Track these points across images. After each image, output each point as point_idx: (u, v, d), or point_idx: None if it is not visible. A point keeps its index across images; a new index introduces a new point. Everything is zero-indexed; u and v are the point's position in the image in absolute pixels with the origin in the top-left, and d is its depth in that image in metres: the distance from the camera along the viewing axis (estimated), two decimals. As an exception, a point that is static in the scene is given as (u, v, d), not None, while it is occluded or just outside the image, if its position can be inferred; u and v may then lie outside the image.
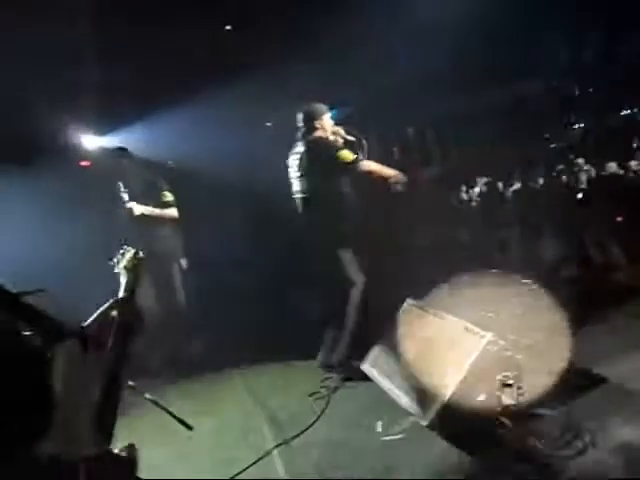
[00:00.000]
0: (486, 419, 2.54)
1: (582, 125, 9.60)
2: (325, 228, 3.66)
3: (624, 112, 9.24)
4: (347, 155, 3.58)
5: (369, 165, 3.62)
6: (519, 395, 2.55)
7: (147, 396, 2.05)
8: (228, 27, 7.91)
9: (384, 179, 3.64)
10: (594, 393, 2.75)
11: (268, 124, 7.85)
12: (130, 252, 2.08)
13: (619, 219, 5.20)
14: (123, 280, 1.99)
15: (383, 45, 6.79)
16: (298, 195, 3.79)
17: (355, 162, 3.57)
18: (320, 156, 3.65)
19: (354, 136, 3.73)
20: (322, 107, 3.80)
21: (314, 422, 3.11)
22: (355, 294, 3.66)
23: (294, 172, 3.80)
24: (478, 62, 7.76)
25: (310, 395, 3.48)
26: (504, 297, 3.29)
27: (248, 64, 7.24)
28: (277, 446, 2.94)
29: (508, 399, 2.56)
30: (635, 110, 9.12)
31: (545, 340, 2.96)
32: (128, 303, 1.88)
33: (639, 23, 7.78)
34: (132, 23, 6.36)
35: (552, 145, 9.70)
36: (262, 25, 7.10)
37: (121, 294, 1.93)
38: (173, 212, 4.54)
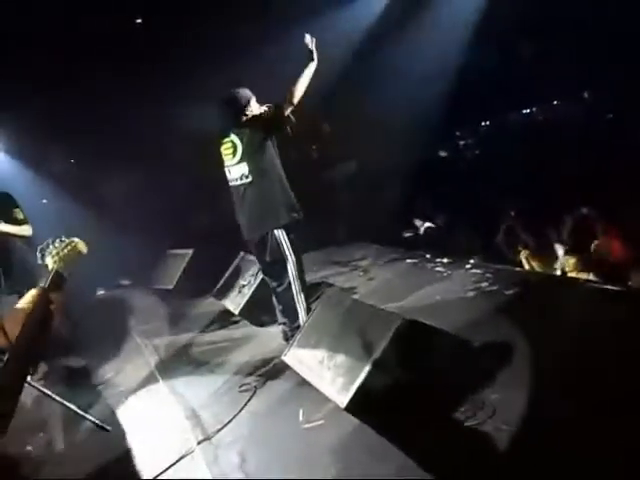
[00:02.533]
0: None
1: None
2: (272, 206, 3.74)
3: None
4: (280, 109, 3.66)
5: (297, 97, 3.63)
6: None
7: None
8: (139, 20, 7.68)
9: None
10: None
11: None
12: (63, 242, 2.01)
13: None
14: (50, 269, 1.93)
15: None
16: (240, 181, 3.78)
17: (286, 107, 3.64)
18: (262, 128, 3.69)
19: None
20: (248, 92, 3.81)
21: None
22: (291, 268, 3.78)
23: (230, 160, 3.79)
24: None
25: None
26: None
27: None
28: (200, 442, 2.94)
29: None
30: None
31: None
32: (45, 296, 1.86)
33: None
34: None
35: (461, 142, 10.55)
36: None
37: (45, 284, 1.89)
38: (27, 230, 4.22)
